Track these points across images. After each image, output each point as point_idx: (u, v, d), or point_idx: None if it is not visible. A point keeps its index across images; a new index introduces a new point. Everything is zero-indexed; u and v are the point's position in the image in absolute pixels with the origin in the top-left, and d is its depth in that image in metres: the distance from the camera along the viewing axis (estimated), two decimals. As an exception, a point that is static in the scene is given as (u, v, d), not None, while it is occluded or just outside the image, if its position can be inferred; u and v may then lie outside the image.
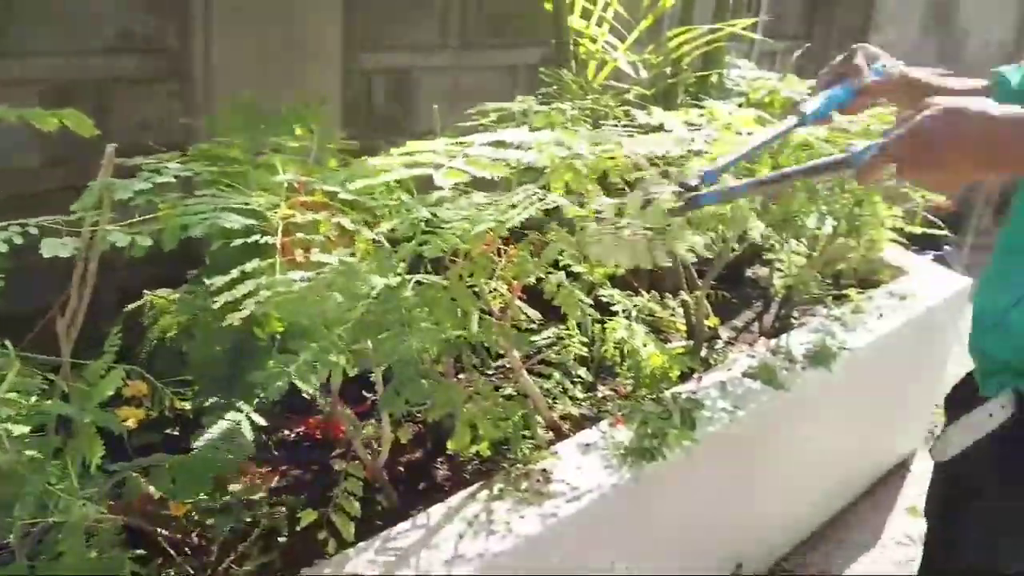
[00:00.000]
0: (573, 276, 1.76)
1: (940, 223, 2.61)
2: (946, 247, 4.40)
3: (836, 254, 2.32)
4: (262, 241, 1.10)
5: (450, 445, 1.42)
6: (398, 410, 1.23)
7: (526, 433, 1.62)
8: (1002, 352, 1.11)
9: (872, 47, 1.34)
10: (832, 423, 2.25)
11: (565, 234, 1.35)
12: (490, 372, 1.87)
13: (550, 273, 1.41)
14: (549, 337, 1.93)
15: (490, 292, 1.42)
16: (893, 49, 3.89)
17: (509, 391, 1.67)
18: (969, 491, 1.18)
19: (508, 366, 1.78)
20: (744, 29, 2.38)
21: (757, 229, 1.66)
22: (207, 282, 1.06)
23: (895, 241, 2.51)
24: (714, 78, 2.44)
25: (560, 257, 1.46)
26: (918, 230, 2.49)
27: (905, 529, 2.54)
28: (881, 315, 2.32)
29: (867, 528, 2.55)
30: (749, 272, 2.82)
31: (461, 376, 1.60)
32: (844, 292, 2.43)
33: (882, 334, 2.21)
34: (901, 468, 2.86)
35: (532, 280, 1.42)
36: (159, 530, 1.25)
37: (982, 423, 1.15)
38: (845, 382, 2.11)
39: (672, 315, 2.32)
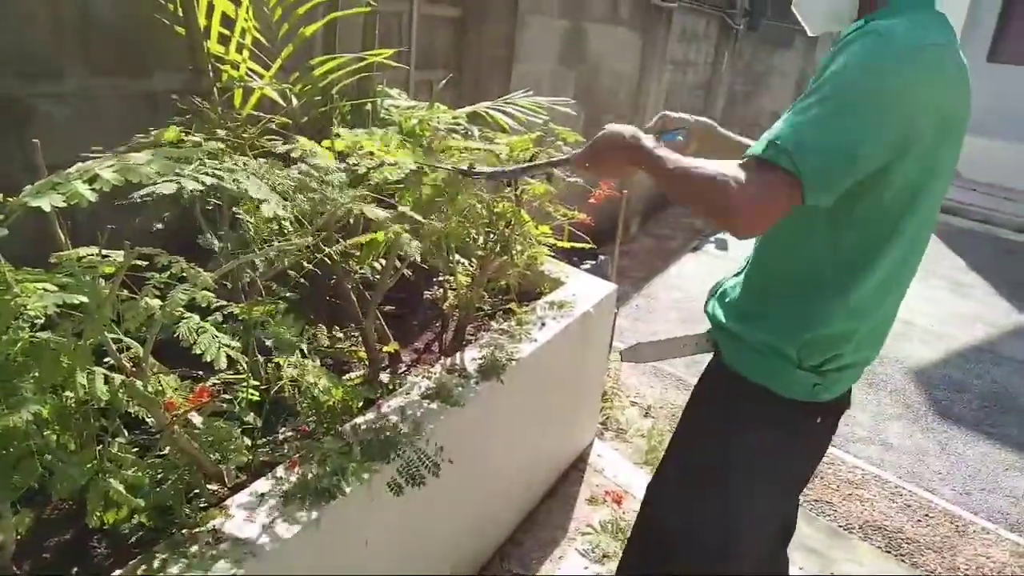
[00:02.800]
0: (229, 318, 1.65)
1: (586, 237, 2.87)
2: (600, 256, 4.89)
3: (498, 272, 2.43)
4: None
5: (88, 521, 1.23)
6: (12, 497, 1.03)
7: (197, 492, 1.48)
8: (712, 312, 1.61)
9: (674, 115, 1.72)
10: (511, 430, 2.35)
11: (199, 271, 1.24)
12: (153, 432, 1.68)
13: (184, 318, 1.28)
14: (216, 384, 1.78)
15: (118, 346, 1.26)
16: (537, 79, 4.21)
17: (167, 451, 1.50)
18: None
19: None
20: (392, 59, 2.42)
21: (416, 251, 1.67)
22: None
23: (554, 256, 2.72)
24: (369, 107, 2.46)
25: (209, 300, 1.35)
26: (567, 245, 2.71)
27: (587, 519, 2.74)
28: (543, 324, 2.48)
29: (555, 523, 2.70)
30: (427, 294, 2.87)
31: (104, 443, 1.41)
32: (509, 306, 2.56)
33: (544, 341, 2.37)
34: (580, 462, 3.09)
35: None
36: None
37: (673, 347, 1.70)
38: (518, 390, 2.22)
39: (353, 345, 2.28)
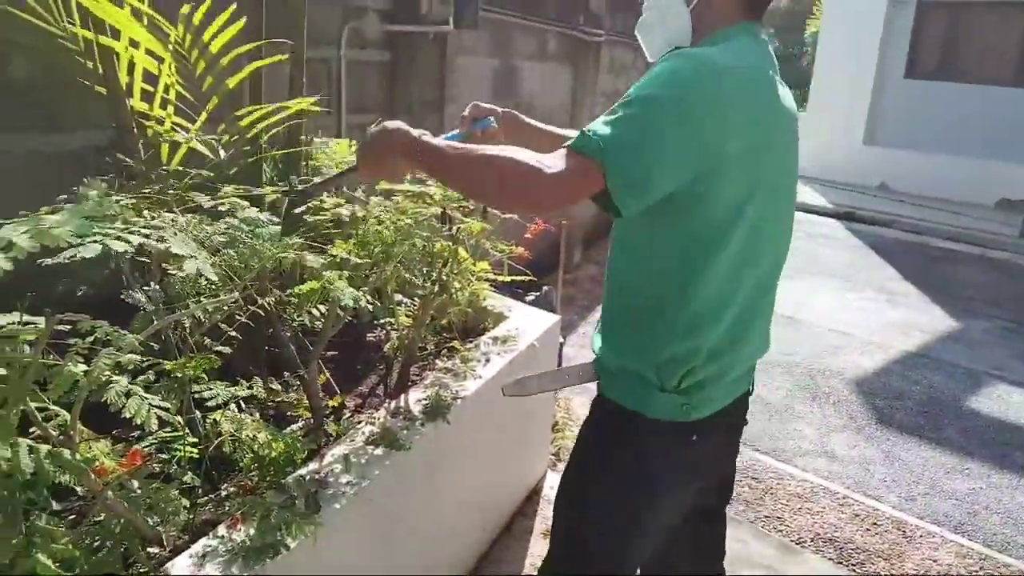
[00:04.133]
0: (161, 376, 1.62)
1: (525, 270, 2.90)
2: (544, 287, 4.93)
3: (439, 311, 2.44)
4: None
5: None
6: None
7: (135, 559, 1.44)
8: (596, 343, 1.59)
9: (485, 105, 1.74)
10: (461, 469, 2.34)
11: (124, 334, 1.22)
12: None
13: (112, 381, 1.26)
14: (152, 444, 1.74)
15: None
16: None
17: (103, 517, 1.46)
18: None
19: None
20: (323, 105, 2.43)
21: (349, 298, 1.67)
22: None
23: (496, 290, 2.75)
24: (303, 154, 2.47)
25: (135, 362, 1.33)
26: (508, 279, 2.74)
27: (543, 553, 2.72)
28: (488, 360, 2.49)
29: (511, 559, 2.69)
30: (370, 336, 2.86)
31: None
32: (452, 344, 2.57)
33: (490, 377, 2.37)
34: (534, 494, 3.08)
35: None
36: None
37: (558, 378, 1.73)
38: (466, 429, 2.22)
39: (296, 395, 2.26)
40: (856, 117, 12.21)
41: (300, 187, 1.99)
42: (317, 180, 1.94)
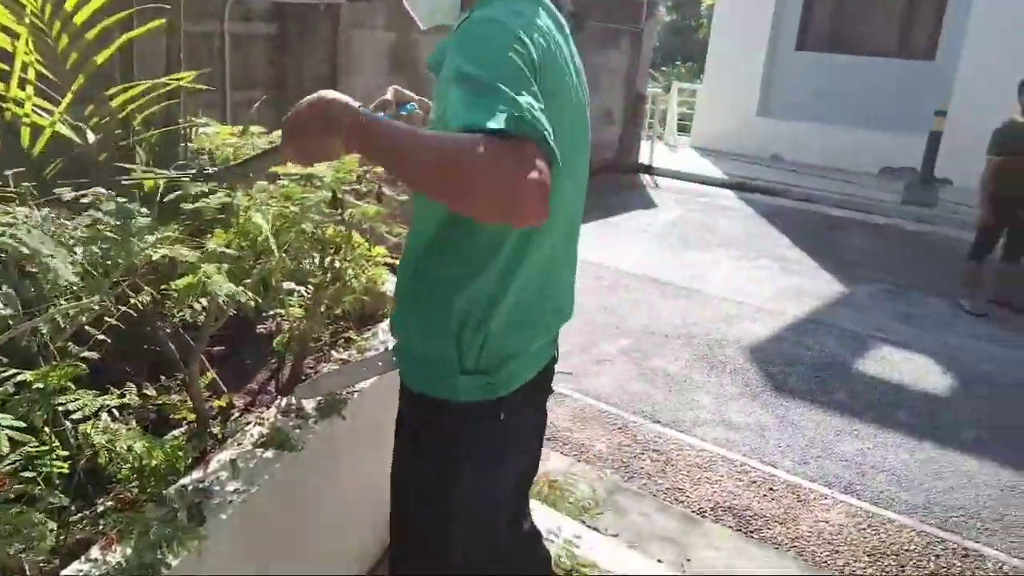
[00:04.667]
0: (21, 387, 1.49)
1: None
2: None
3: (334, 299, 2.35)
4: None
5: None
6: None
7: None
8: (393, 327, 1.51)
9: (406, 92, 1.66)
10: (361, 467, 2.27)
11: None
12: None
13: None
14: (16, 462, 1.60)
15: None
16: (368, 91, 4.15)
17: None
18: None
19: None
20: (206, 80, 2.28)
21: (227, 292, 1.57)
22: None
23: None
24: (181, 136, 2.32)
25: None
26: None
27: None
28: (386, 348, 2.41)
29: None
30: (261, 328, 2.74)
31: None
32: (347, 335, 2.48)
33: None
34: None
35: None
36: None
37: (357, 371, 1.75)
38: (364, 424, 2.15)
39: (180, 397, 2.13)
40: (750, 89, 12.56)
41: (207, 171, 1.79)
42: (233, 164, 1.74)
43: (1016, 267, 5.95)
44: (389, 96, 1.64)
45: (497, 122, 1.02)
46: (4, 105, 2.01)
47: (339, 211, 2.12)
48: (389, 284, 2.91)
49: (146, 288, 1.71)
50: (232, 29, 3.21)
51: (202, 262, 1.66)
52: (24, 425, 1.23)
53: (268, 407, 2.16)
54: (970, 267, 5.99)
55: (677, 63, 21.27)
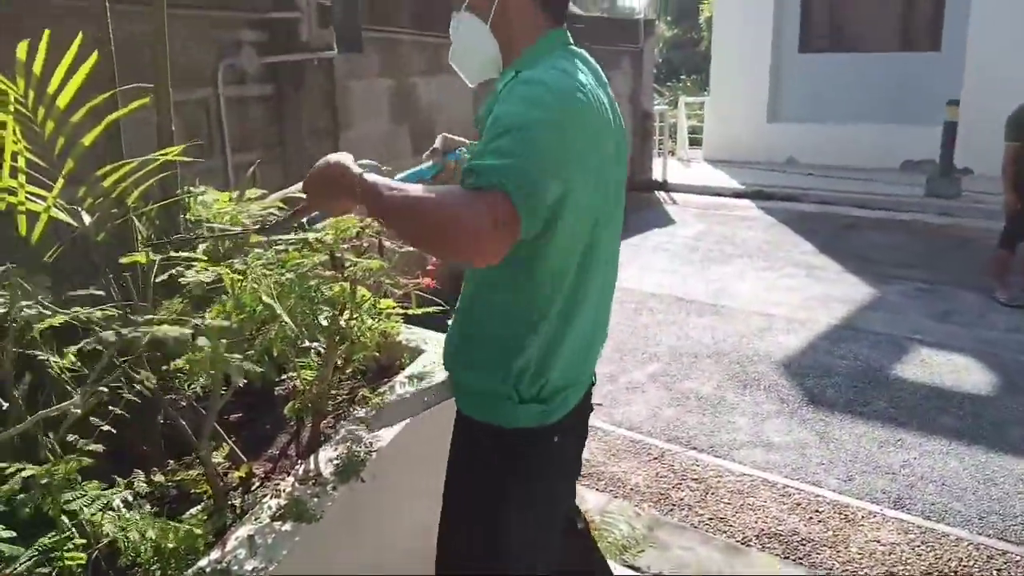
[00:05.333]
0: (29, 483, 1.45)
1: (437, 300, 2.79)
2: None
3: (348, 356, 2.31)
4: None
5: None
6: None
7: None
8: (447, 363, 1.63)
9: (455, 138, 1.76)
10: (385, 530, 2.21)
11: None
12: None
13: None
14: (35, 555, 1.56)
15: None
16: (370, 140, 4.17)
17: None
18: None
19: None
20: (205, 146, 2.27)
21: (237, 372, 1.53)
22: None
23: (408, 323, 2.63)
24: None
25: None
26: (418, 311, 2.62)
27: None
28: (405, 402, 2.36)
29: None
30: (279, 390, 2.70)
31: None
32: (359, 391, 2.43)
33: (405, 422, 2.24)
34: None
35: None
36: None
37: (415, 403, 1.81)
38: (386, 484, 2.09)
39: (200, 471, 2.09)
40: (757, 96, 12.48)
41: (257, 228, 1.86)
42: (266, 225, 1.84)
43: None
44: (437, 144, 1.76)
45: (473, 178, 1.21)
46: (-1, 195, 2.01)
47: (339, 270, 2.09)
48: (405, 334, 2.88)
49: (142, 371, 1.66)
50: (227, 93, 3.22)
51: (201, 336, 1.62)
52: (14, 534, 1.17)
53: (288, 473, 2.11)
54: (1000, 256, 5.82)
55: (682, 77, 21.25)
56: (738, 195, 10.43)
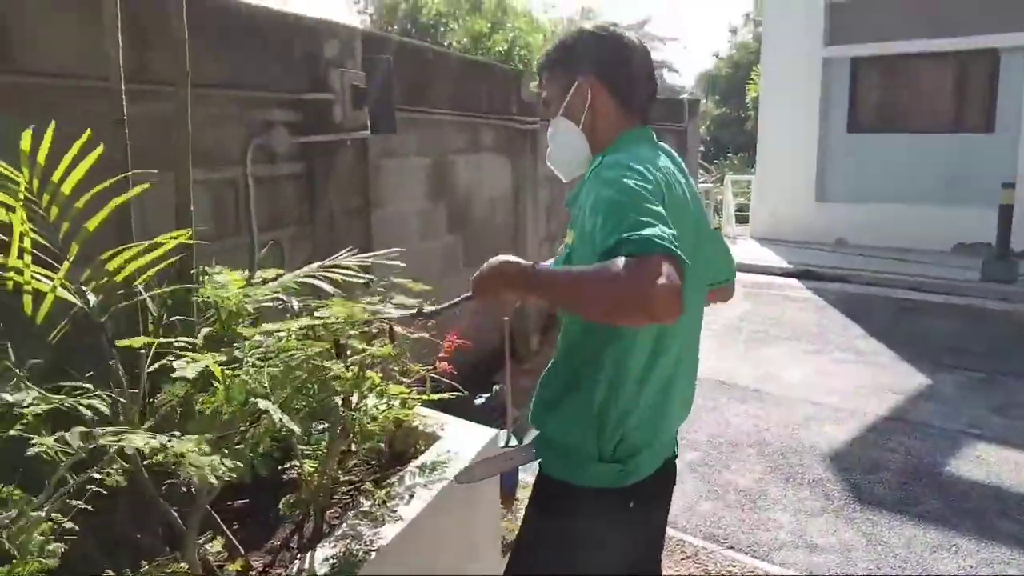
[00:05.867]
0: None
1: (456, 384, 2.70)
2: (496, 387, 4.71)
3: (362, 440, 2.22)
4: None
5: None
6: None
7: None
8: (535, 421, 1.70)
9: None
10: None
11: None
12: None
13: None
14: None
15: None
16: (404, 218, 4.16)
17: None
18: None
19: None
20: (232, 225, 2.25)
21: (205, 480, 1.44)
22: None
23: (428, 404, 2.55)
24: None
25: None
26: (433, 397, 2.53)
27: None
28: (412, 496, 2.24)
29: None
30: (287, 476, 2.60)
31: None
32: (361, 482, 2.33)
33: (412, 519, 2.12)
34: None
35: None
36: None
37: (502, 461, 1.81)
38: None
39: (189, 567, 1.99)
40: (806, 175, 12.33)
41: (429, 310, 1.97)
42: (431, 308, 1.96)
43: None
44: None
45: (627, 248, 1.29)
46: (5, 275, 2.00)
47: (345, 358, 2.01)
48: (423, 420, 2.77)
49: (113, 469, 1.58)
50: (256, 172, 3.23)
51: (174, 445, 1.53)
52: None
53: (286, 568, 2.00)
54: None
55: (729, 155, 21.25)
56: (786, 274, 10.20)
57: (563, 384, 1.64)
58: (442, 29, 9.40)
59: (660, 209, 1.37)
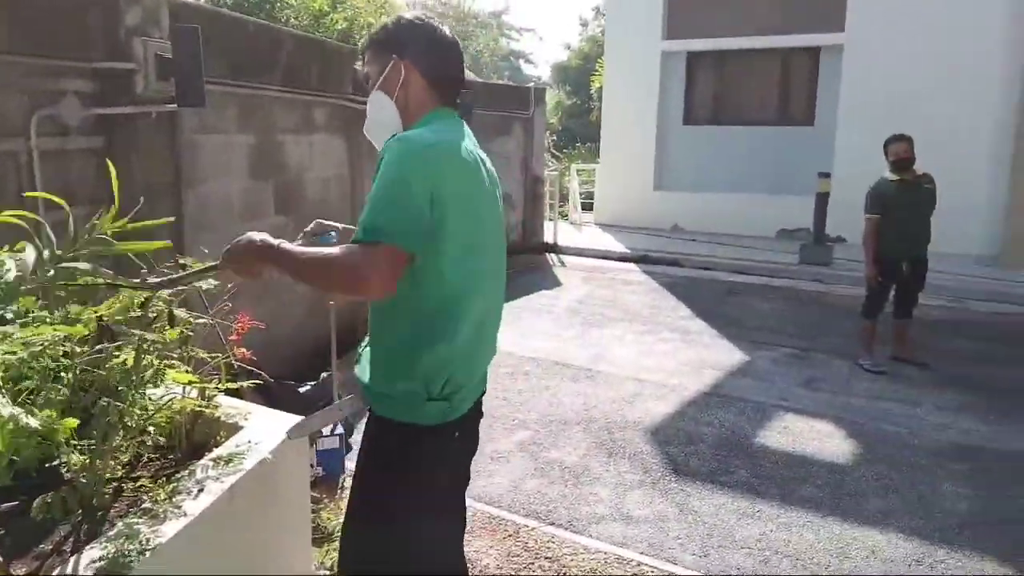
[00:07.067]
0: None
1: (261, 372, 2.59)
2: (323, 374, 4.58)
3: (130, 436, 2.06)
4: None
5: None
6: None
7: None
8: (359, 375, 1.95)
9: (326, 222, 2.08)
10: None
11: None
12: None
13: None
14: None
15: None
16: (225, 197, 3.94)
17: None
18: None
19: None
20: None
21: None
22: None
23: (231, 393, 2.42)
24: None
25: None
26: (234, 386, 2.41)
27: None
28: (201, 490, 2.11)
29: None
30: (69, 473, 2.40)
31: None
32: (153, 478, 2.18)
33: (198, 513, 2.00)
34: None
35: None
36: None
37: (333, 413, 2.08)
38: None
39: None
40: (644, 165, 12.83)
41: (153, 280, 1.97)
42: (172, 275, 2.00)
43: (908, 322, 6.00)
44: (309, 229, 2.06)
45: (357, 235, 1.63)
46: None
47: (111, 344, 1.86)
48: (227, 409, 2.63)
49: None
50: (43, 146, 2.95)
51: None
52: None
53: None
54: (865, 325, 6.00)
55: (577, 144, 21.78)
56: (624, 259, 10.57)
57: (385, 343, 1.86)
58: (277, 4, 9.01)
59: (408, 202, 1.63)
